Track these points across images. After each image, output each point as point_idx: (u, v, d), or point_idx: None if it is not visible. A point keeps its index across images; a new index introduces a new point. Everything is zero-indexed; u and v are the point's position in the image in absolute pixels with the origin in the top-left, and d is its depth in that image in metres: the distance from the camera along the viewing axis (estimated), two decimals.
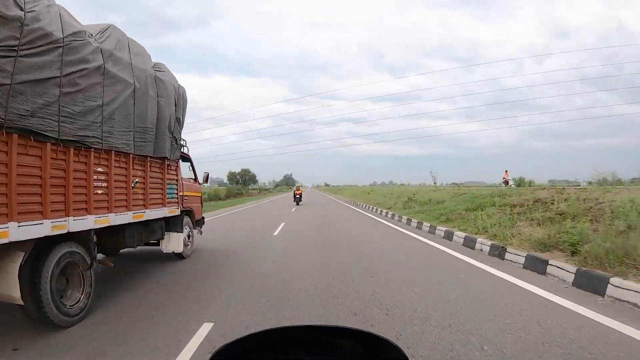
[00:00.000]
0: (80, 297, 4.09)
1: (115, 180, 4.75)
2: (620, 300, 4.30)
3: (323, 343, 0.73)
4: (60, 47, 3.62)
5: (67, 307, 3.86)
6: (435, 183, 22.35)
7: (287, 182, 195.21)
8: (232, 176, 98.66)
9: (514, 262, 6.51)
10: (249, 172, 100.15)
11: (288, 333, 0.75)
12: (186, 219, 7.50)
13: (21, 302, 3.36)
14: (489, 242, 7.59)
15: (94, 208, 4.30)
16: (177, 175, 6.97)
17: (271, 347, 0.73)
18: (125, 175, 5.06)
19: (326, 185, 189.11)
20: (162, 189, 6.26)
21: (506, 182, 22.25)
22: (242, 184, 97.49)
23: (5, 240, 3.06)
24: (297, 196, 27.68)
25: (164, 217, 6.41)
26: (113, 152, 4.68)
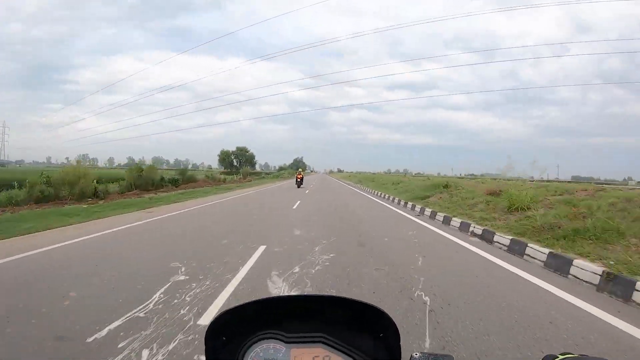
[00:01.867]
0: None
1: None
2: None
3: (315, 312, 0.75)
4: None
5: None
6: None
7: (298, 166, 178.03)
8: (224, 156, 79.99)
9: None
10: (247, 152, 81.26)
11: (281, 303, 0.77)
12: None
13: None
14: None
15: None
16: None
17: (264, 316, 0.75)
18: None
19: (339, 170, 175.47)
20: None
21: None
22: (236, 166, 79.14)
23: None
24: (299, 180, 29.09)
25: None
26: None
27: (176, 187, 23.27)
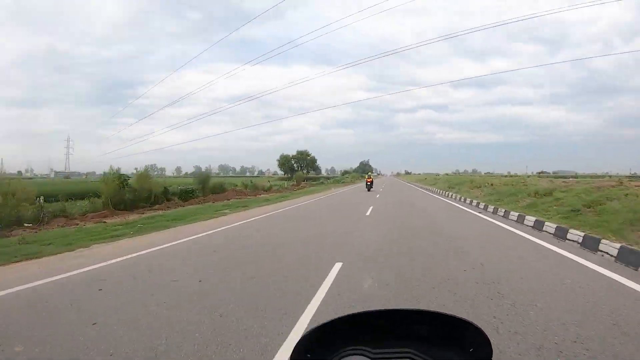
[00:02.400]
0: None
1: None
2: None
3: (402, 326, 0.73)
4: None
5: None
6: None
7: (364, 169, 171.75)
8: (284, 161, 75.12)
9: None
10: (307, 155, 75.45)
11: (366, 318, 0.75)
12: None
13: None
14: None
15: None
16: None
17: (350, 332, 0.73)
18: None
19: (407, 173, 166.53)
20: None
21: None
22: (297, 170, 73.84)
23: None
24: (369, 183, 29.13)
25: None
26: None
27: (185, 201, 17.18)
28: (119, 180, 13.99)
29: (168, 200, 16.38)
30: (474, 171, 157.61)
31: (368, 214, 11.64)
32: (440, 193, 24.28)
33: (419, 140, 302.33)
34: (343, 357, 0.70)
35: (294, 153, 77.39)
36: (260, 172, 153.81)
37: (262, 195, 23.81)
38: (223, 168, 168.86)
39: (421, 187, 35.49)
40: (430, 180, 43.18)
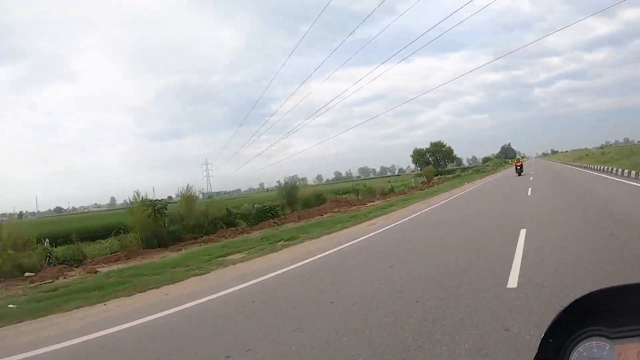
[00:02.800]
0: None
1: None
2: None
3: (635, 302, 0.67)
4: None
5: None
6: None
7: (507, 154, 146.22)
8: (418, 156, 67.87)
9: None
10: (443, 146, 66.02)
11: (600, 296, 0.69)
12: None
13: None
14: None
15: None
16: None
17: (585, 312, 0.70)
18: None
19: (553, 152, 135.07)
20: None
21: None
22: (433, 164, 65.63)
23: None
24: (518, 167, 28.55)
25: None
26: None
27: (260, 222, 13.89)
28: (149, 208, 11.32)
29: (233, 225, 13.38)
30: (626, 140, 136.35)
31: None
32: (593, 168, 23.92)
33: (561, 114, 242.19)
34: (583, 339, 0.67)
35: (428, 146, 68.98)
36: (401, 170, 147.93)
37: (372, 204, 18.83)
38: (363, 170, 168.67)
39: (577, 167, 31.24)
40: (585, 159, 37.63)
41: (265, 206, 15.80)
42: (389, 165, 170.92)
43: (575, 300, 0.69)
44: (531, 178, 21.53)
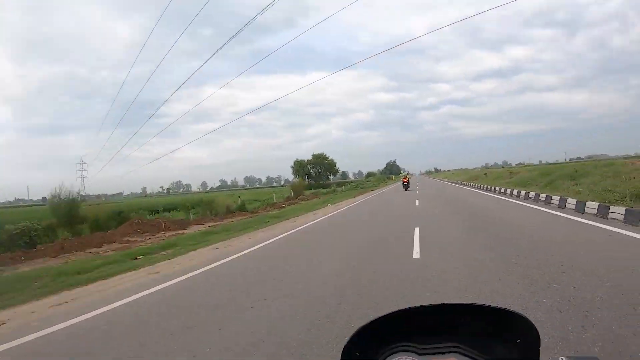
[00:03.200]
0: None
1: None
2: None
3: (448, 320, 0.74)
4: None
5: None
6: None
7: (391, 170, 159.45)
8: (299, 167, 66.05)
9: None
10: (325, 159, 65.68)
11: (412, 314, 0.75)
12: None
13: None
14: None
15: None
16: None
17: (397, 329, 0.74)
18: None
19: (436, 170, 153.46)
20: None
21: None
22: (315, 176, 64.60)
23: None
24: (405, 183, 30.16)
25: None
26: None
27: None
28: None
29: None
30: (505, 163, 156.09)
31: None
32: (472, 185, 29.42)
33: (445, 136, 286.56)
34: (392, 354, 0.70)
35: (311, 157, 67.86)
36: (287, 181, 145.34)
37: (198, 227, 14.23)
38: (249, 179, 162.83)
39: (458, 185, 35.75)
40: (463, 177, 43.37)
41: (19, 229, 9.94)
42: (275, 176, 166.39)
43: (385, 315, 0.72)
44: (417, 192, 24.90)
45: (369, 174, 78.76)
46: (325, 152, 70.03)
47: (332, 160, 64.93)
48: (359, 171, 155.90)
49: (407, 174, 45.31)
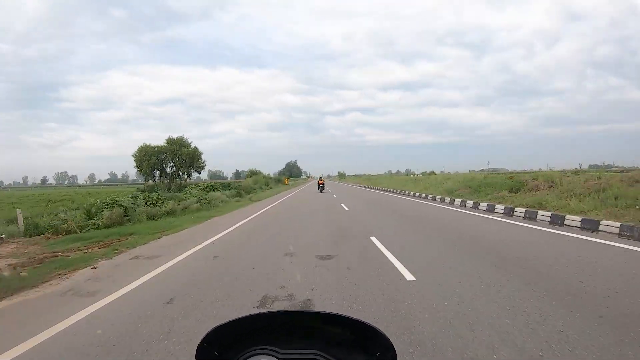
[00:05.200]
0: None
1: None
2: None
3: (311, 328, 0.74)
4: None
5: None
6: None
7: (291, 171, 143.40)
8: (143, 158, 42.30)
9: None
10: (186, 145, 43.43)
11: (277, 318, 0.76)
12: None
13: None
14: None
15: None
16: None
17: (259, 331, 0.73)
18: None
19: (341, 175, 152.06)
20: None
21: None
22: (169, 174, 42.10)
23: None
24: (321, 185, 31.73)
25: None
26: None
27: None
28: None
29: None
30: (408, 171, 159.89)
31: None
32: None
33: (350, 142, 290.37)
34: (251, 356, 0.69)
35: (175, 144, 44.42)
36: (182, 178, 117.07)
37: None
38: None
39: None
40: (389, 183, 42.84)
41: None
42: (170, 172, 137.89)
43: (248, 316, 0.72)
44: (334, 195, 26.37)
45: (252, 173, 55.83)
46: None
47: (196, 149, 42.98)
48: (237, 171, 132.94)
49: (308, 177, 40.27)
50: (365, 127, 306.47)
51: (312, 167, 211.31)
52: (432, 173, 48.38)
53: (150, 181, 43.49)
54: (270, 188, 50.37)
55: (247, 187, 42.30)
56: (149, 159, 40.88)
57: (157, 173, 43.46)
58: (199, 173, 47.12)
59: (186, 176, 43.42)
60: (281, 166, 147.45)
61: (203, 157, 43.75)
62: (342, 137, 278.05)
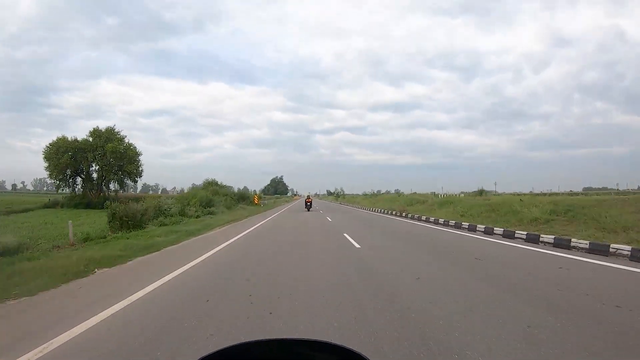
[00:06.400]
0: None
1: None
2: None
3: (300, 355, 0.74)
4: None
5: None
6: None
7: (277, 188, 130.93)
8: (57, 159, 28.57)
9: None
10: (120, 140, 30.45)
11: (265, 346, 0.75)
12: None
13: None
14: None
15: None
16: None
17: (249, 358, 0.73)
18: None
19: (330, 193, 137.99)
20: None
21: None
22: (83, 178, 28.36)
23: None
24: (308, 203, 29.54)
25: None
26: None
27: None
28: None
29: None
30: (396, 191, 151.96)
31: None
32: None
33: (338, 161, 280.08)
34: None
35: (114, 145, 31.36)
36: (164, 191, 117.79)
37: None
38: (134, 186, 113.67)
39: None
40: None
41: None
42: (152, 184, 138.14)
43: (236, 345, 0.71)
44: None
45: (210, 184, 33.95)
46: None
47: (132, 147, 30.21)
48: (245, 187, 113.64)
49: (294, 196, 30.94)
50: (354, 146, 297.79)
51: (299, 185, 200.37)
52: (414, 193, 40.82)
53: (68, 189, 30.30)
54: (210, 214, 21.30)
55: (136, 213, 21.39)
56: (60, 157, 27.83)
57: (79, 180, 30.42)
58: (134, 182, 34.15)
59: (117, 186, 30.26)
60: (266, 182, 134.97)
61: (148, 161, 31.07)
62: (331, 156, 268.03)
